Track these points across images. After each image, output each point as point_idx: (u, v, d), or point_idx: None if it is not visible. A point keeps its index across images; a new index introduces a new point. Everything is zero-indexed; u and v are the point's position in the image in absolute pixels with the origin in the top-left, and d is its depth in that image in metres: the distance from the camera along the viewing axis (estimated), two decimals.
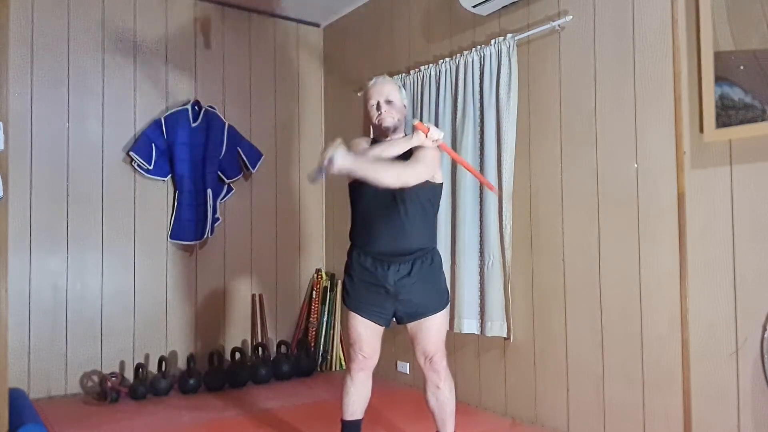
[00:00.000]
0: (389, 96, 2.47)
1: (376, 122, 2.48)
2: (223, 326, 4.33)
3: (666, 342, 2.56)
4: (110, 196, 3.94)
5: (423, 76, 3.70)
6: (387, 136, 2.48)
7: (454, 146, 3.45)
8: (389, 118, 2.46)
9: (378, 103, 2.46)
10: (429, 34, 3.82)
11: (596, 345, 2.83)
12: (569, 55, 2.97)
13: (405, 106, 2.56)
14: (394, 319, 2.49)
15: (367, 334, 2.45)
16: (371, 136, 2.67)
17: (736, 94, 2.31)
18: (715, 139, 2.38)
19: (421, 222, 2.43)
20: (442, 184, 2.53)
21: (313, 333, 4.54)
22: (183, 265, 4.19)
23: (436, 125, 3.55)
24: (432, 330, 2.44)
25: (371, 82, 2.53)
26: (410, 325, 2.47)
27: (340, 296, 4.49)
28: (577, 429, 2.92)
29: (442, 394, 2.48)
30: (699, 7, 2.43)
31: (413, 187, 2.36)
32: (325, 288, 4.60)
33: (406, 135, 2.53)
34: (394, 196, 2.38)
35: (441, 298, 2.49)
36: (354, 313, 2.46)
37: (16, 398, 2.88)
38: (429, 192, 2.46)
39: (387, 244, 2.39)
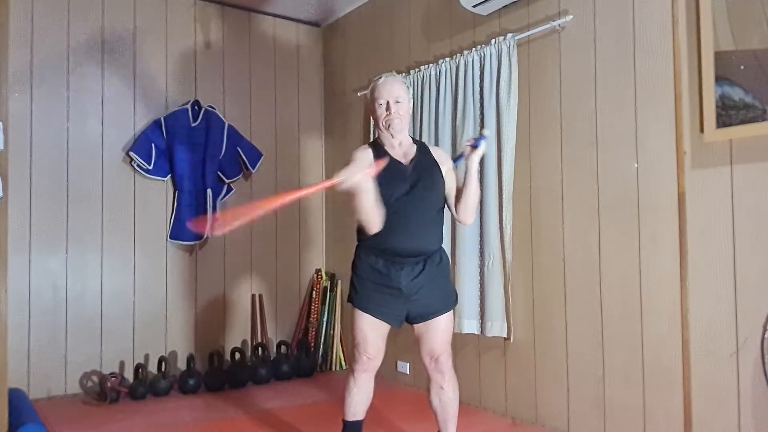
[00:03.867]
0: (399, 96, 2.41)
1: (384, 123, 2.42)
2: (223, 326, 4.33)
3: (666, 342, 2.56)
4: (110, 196, 3.94)
5: (423, 76, 3.70)
6: (393, 137, 2.44)
7: (453, 146, 3.45)
8: (398, 120, 2.40)
9: (387, 104, 2.40)
10: (429, 34, 3.82)
11: (596, 345, 2.83)
12: (569, 55, 2.97)
13: (411, 106, 2.51)
14: (406, 320, 2.48)
15: (374, 335, 2.43)
16: (371, 138, 2.64)
17: (737, 93, 2.31)
18: (715, 139, 2.38)
19: (436, 224, 2.45)
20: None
21: (313, 333, 4.54)
22: (183, 265, 4.19)
23: (437, 125, 3.56)
24: (439, 330, 2.43)
25: (380, 80, 2.45)
26: (417, 325, 2.46)
27: (343, 294, 4.49)
28: (577, 429, 2.92)
29: (446, 395, 2.47)
30: (699, 7, 2.42)
31: (438, 190, 2.44)
32: (325, 288, 4.60)
33: (411, 137, 2.53)
34: (415, 198, 2.37)
35: (449, 299, 2.48)
36: (362, 313, 2.42)
37: (16, 398, 2.88)
38: (443, 196, 2.49)
39: (404, 244, 2.36)
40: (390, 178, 2.40)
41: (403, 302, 2.40)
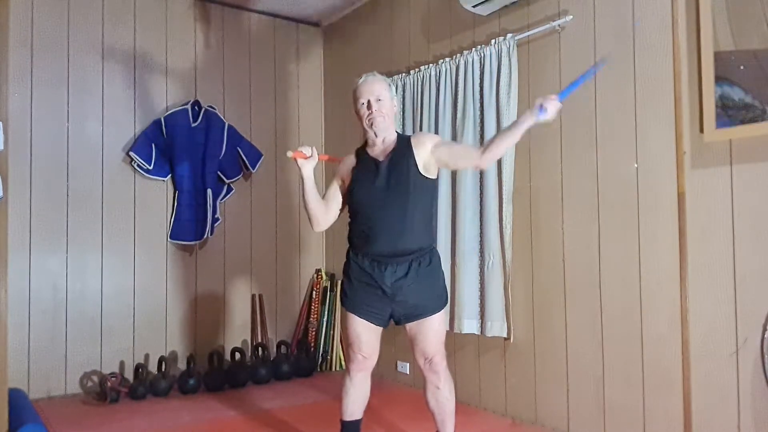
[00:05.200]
0: (380, 95, 2.41)
1: (367, 122, 2.42)
2: (223, 326, 4.33)
3: (666, 342, 2.56)
4: (110, 196, 3.94)
5: (423, 76, 3.70)
6: (377, 136, 2.43)
7: None
8: (380, 118, 2.40)
9: (368, 102, 2.40)
10: (429, 34, 3.82)
11: (596, 345, 2.83)
12: (569, 55, 2.97)
13: (395, 105, 2.50)
14: (392, 320, 2.48)
15: (366, 334, 2.44)
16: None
17: (736, 94, 2.31)
18: (715, 139, 2.38)
19: (418, 221, 2.40)
20: (436, 179, 2.48)
21: (313, 333, 4.54)
22: (183, 265, 4.19)
23: (437, 125, 3.55)
24: (431, 331, 2.43)
25: (360, 80, 2.46)
26: (409, 326, 2.46)
27: (339, 297, 4.49)
28: (577, 429, 2.92)
29: (442, 395, 2.48)
30: (699, 7, 2.43)
31: (412, 184, 2.36)
32: (325, 288, 4.60)
33: (398, 133, 2.50)
34: (390, 196, 2.36)
35: (439, 299, 2.46)
36: (351, 314, 2.45)
37: (16, 398, 2.88)
38: (425, 189, 2.43)
39: (384, 245, 2.37)
40: (363, 179, 2.42)
41: (387, 302, 2.40)
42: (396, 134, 2.49)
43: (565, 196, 2.99)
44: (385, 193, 2.37)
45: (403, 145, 2.44)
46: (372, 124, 2.41)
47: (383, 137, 2.44)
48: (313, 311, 4.58)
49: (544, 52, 3.08)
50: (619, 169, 2.76)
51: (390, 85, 2.50)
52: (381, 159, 2.43)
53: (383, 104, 2.41)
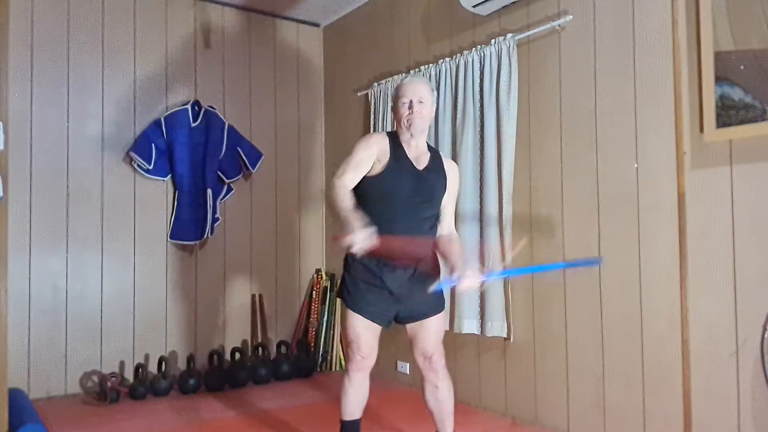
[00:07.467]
0: (422, 97, 2.41)
1: (405, 122, 2.41)
2: (223, 326, 4.33)
3: (666, 342, 2.56)
4: (110, 196, 3.94)
5: (423, 76, 3.69)
6: (412, 137, 2.43)
7: (453, 146, 3.45)
8: (419, 120, 2.40)
9: (411, 102, 2.40)
10: (429, 34, 3.82)
11: (596, 345, 2.83)
12: (569, 55, 2.97)
13: (433, 111, 2.52)
14: (395, 320, 2.49)
15: (366, 334, 2.44)
16: (389, 130, 2.63)
17: (737, 94, 2.31)
18: (715, 139, 2.38)
19: (431, 228, 2.47)
20: None
21: (313, 333, 4.54)
22: (183, 265, 4.19)
23: (437, 125, 3.55)
24: (431, 330, 2.45)
25: (406, 79, 2.49)
26: (410, 326, 2.47)
27: (337, 292, 4.48)
28: (577, 429, 2.92)
29: (441, 394, 2.48)
30: (699, 7, 2.42)
31: (438, 200, 2.46)
32: (325, 288, 4.60)
33: (428, 144, 2.54)
34: (417, 203, 2.39)
35: (441, 299, 2.50)
36: (354, 313, 2.44)
37: (16, 398, 2.88)
38: (440, 203, 2.51)
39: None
40: (395, 175, 2.41)
41: (393, 303, 2.41)
42: (426, 144, 2.52)
43: (565, 196, 2.99)
44: (412, 199, 2.38)
45: (438, 160, 2.52)
46: (410, 125, 2.41)
47: (417, 142, 2.46)
48: (313, 311, 4.58)
49: (544, 52, 3.08)
50: (619, 169, 2.76)
51: (433, 90, 2.53)
52: (419, 166, 2.44)
53: (424, 107, 2.42)
